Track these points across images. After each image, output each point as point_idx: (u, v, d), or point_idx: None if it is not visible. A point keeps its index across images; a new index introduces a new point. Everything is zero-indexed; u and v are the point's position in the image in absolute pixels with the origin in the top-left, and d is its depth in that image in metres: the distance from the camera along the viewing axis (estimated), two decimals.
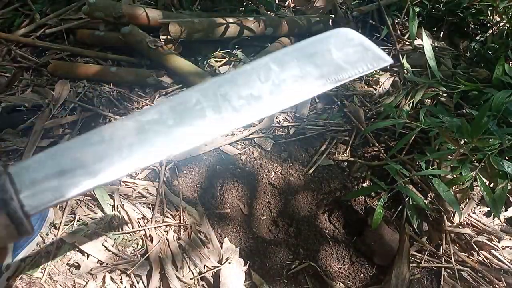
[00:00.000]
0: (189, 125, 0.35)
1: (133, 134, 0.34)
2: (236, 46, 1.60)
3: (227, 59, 1.56)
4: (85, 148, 0.33)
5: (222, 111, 0.35)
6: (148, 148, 0.34)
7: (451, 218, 1.16)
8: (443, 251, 1.12)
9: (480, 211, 1.22)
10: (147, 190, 1.17)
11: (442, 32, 1.81)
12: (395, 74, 1.62)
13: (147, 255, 1.04)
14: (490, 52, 1.56)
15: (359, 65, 0.37)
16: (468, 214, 1.18)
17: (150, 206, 1.15)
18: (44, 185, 0.33)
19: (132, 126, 0.35)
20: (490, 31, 1.79)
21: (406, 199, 1.17)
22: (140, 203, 1.15)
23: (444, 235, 1.14)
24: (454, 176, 1.09)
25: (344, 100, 1.46)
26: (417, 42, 1.66)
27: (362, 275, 1.10)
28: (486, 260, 1.12)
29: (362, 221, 1.17)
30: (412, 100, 1.39)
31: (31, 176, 0.33)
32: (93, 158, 0.33)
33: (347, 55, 0.37)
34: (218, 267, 1.05)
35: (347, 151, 1.30)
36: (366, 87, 1.59)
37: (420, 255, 1.12)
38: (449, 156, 1.12)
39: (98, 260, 1.03)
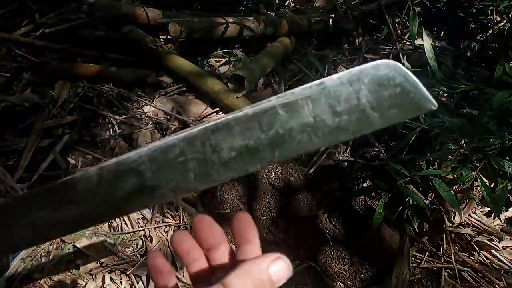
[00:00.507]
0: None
1: (100, 187, 0.30)
2: (236, 46, 1.60)
3: (227, 58, 1.56)
4: (56, 200, 0.31)
5: (208, 165, 0.30)
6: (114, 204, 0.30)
7: (452, 218, 1.16)
8: (444, 251, 1.12)
9: (480, 211, 1.21)
10: None
11: (442, 32, 1.81)
12: None
13: (147, 255, 1.04)
14: (490, 52, 1.56)
15: (391, 114, 0.29)
16: (469, 214, 1.18)
17: (150, 206, 1.15)
18: (18, 230, 0.30)
19: (99, 177, 0.30)
20: (491, 30, 1.79)
21: (407, 199, 1.16)
22: None
23: (444, 235, 1.14)
24: (455, 176, 1.08)
25: None
26: (418, 41, 1.66)
27: (362, 275, 1.10)
28: (486, 260, 1.11)
29: (362, 221, 1.17)
30: None
31: (7, 218, 0.30)
32: (63, 208, 0.30)
33: (379, 100, 0.29)
34: None
35: (347, 151, 1.30)
36: None
37: (420, 255, 1.12)
38: (449, 156, 1.11)
39: (98, 260, 1.03)
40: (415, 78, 0.29)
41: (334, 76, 0.29)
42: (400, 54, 1.61)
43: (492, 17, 1.78)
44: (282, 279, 0.29)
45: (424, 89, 0.29)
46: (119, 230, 1.09)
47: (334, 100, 0.29)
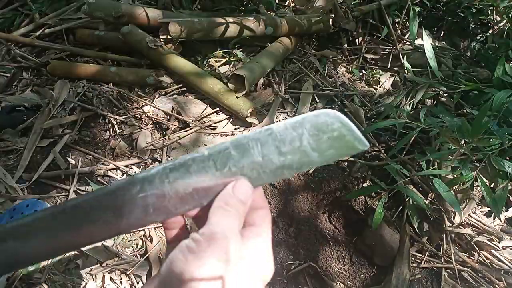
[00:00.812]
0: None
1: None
2: (236, 46, 1.60)
3: (227, 59, 1.56)
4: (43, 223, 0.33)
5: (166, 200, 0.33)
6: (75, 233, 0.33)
7: (452, 218, 1.16)
8: (444, 251, 1.12)
9: (480, 211, 1.22)
10: None
11: (442, 32, 1.81)
12: (395, 74, 1.61)
13: (146, 255, 1.04)
14: (490, 52, 1.56)
15: (329, 154, 0.34)
16: (469, 214, 1.18)
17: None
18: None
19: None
20: (491, 30, 1.79)
21: (407, 199, 1.16)
22: None
23: (444, 235, 1.14)
24: (455, 176, 1.08)
25: (345, 100, 1.46)
26: (418, 42, 1.66)
27: (362, 275, 1.10)
28: (486, 261, 1.11)
29: (362, 221, 1.17)
30: (412, 100, 1.38)
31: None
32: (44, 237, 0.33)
33: (319, 143, 0.33)
34: None
35: None
36: (366, 87, 1.59)
37: (420, 255, 1.12)
38: (449, 156, 1.11)
39: (98, 260, 1.03)
40: (350, 124, 0.34)
41: (281, 122, 0.34)
42: (400, 54, 1.61)
43: (492, 17, 1.78)
44: (247, 195, 0.33)
45: (358, 133, 0.34)
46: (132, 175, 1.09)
47: (280, 142, 0.33)
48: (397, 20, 1.73)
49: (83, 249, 1.03)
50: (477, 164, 1.05)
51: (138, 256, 1.05)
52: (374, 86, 1.58)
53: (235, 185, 0.33)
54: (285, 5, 1.84)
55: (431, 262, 1.11)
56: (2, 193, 1.10)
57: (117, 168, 1.21)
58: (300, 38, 1.72)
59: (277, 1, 1.78)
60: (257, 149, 0.34)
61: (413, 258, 1.11)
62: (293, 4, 1.85)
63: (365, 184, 1.23)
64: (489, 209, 1.20)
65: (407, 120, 1.21)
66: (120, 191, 0.33)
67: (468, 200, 1.19)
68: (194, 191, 0.33)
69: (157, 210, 0.33)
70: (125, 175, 1.20)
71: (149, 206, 0.33)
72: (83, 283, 0.99)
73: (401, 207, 1.18)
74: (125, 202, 0.33)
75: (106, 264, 1.02)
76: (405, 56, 1.61)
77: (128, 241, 1.08)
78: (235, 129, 1.34)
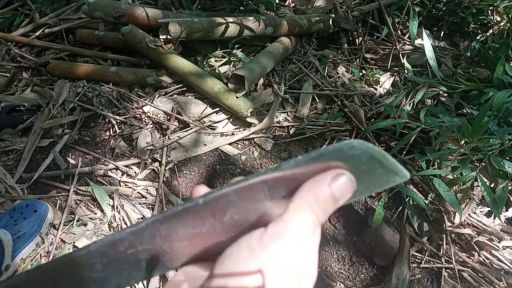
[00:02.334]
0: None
1: None
2: (236, 46, 1.60)
3: (227, 58, 1.56)
4: None
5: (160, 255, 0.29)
6: None
7: (452, 218, 1.16)
8: (444, 251, 1.12)
9: (480, 211, 1.21)
10: (147, 190, 1.17)
11: (442, 32, 1.81)
12: (395, 74, 1.61)
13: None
14: (490, 52, 1.55)
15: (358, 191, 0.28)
16: (469, 214, 1.18)
17: (150, 206, 1.15)
18: None
19: None
20: (491, 30, 1.79)
21: (407, 199, 1.16)
22: (139, 203, 1.14)
23: (444, 235, 1.14)
24: (455, 176, 1.08)
25: (345, 100, 1.46)
26: (418, 41, 1.66)
27: (362, 275, 1.10)
28: (486, 261, 1.11)
29: (362, 221, 1.17)
30: (412, 100, 1.38)
31: None
32: None
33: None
34: None
35: None
36: (366, 87, 1.59)
37: (420, 255, 1.12)
38: (449, 156, 1.11)
39: None
40: (384, 155, 0.27)
41: (292, 160, 0.27)
42: (400, 54, 1.61)
43: (492, 16, 1.78)
44: (346, 194, 0.27)
45: (395, 162, 0.26)
46: (119, 230, 1.08)
47: (291, 183, 0.27)
48: (397, 20, 1.73)
49: None
50: (477, 164, 1.05)
51: None
52: (374, 86, 1.58)
53: (335, 181, 0.26)
54: (285, 5, 1.84)
55: (431, 262, 1.11)
56: (2, 193, 1.10)
57: (117, 168, 1.21)
58: (300, 38, 1.71)
59: (277, 1, 1.78)
60: (264, 192, 0.28)
61: (413, 258, 1.11)
62: (293, 4, 1.85)
63: None
64: (489, 209, 1.20)
65: (407, 120, 1.21)
66: (107, 249, 0.28)
67: (468, 200, 1.19)
68: (189, 243, 0.29)
69: (150, 266, 0.29)
70: (125, 175, 1.20)
71: (141, 261, 0.29)
72: None
73: (401, 207, 1.18)
74: (113, 260, 0.28)
75: None
76: (405, 56, 1.61)
77: None
78: (235, 129, 1.34)
